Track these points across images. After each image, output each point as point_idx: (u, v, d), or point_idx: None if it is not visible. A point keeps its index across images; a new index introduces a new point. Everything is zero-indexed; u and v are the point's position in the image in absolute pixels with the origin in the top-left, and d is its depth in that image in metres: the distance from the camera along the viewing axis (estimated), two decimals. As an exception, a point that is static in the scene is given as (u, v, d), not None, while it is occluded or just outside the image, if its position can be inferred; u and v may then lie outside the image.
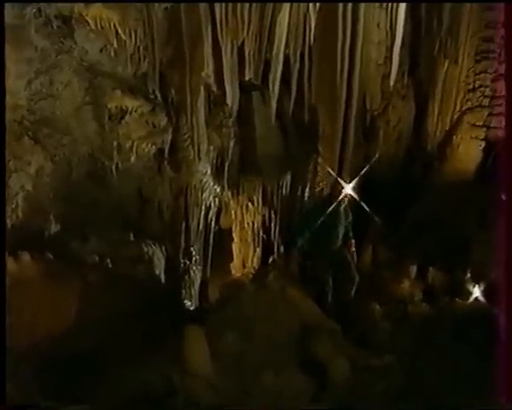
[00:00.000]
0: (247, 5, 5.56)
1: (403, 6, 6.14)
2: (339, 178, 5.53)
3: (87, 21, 5.76)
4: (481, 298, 5.59)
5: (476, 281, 5.72)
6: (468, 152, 7.29)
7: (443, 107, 7.30)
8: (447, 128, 7.36)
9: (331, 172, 5.98)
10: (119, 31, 5.77)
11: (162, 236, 6.17)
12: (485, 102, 7.32)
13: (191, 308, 6.36)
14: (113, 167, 5.98)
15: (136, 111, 5.91)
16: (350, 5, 5.86)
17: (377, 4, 6.39)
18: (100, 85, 5.91)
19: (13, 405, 3.47)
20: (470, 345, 4.93)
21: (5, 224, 4.85)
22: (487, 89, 7.29)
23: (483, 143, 7.31)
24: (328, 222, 5.06)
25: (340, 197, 5.18)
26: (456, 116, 7.35)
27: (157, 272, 5.89)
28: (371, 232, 6.46)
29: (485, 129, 7.33)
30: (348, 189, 5.31)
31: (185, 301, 6.42)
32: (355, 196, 5.37)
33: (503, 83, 7.29)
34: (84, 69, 5.89)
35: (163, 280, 5.94)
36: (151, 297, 5.09)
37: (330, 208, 5.07)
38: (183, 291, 6.46)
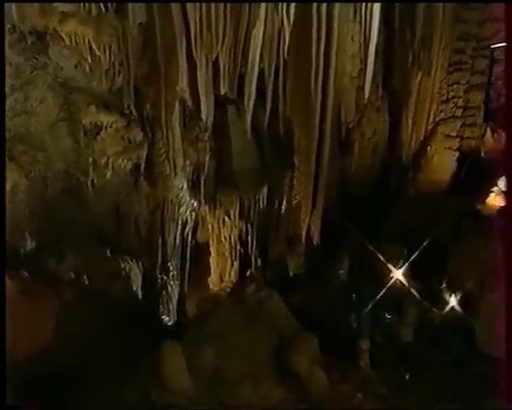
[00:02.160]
0: (221, 20, 5.56)
1: (376, 19, 6.20)
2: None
3: (62, 37, 5.73)
4: (457, 307, 5.64)
5: (452, 291, 5.77)
6: (443, 162, 7.38)
7: (417, 118, 7.40)
8: (421, 139, 7.46)
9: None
10: (94, 46, 5.74)
11: (139, 251, 6.14)
12: (459, 112, 7.44)
13: (169, 324, 6.35)
14: (89, 183, 5.94)
15: (111, 127, 5.87)
16: (324, 19, 5.88)
17: (351, 17, 6.45)
18: (75, 101, 5.87)
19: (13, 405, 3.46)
20: (447, 354, 5.00)
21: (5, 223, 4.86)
22: (460, 100, 7.41)
23: (457, 154, 7.42)
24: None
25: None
26: (430, 127, 7.45)
27: (134, 288, 5.87)
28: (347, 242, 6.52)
29: (458, 139, 7.45)
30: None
31: (163, 317, 6.41)
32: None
33: (475, 93, 7.42)
34: (59, 85, 5.85)
35: (140, 296, 5.92)
36: (128, 313, 5.08)
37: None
38: (161, 307, 6.44)
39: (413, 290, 5.50)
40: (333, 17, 5.95)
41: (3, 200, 4.67)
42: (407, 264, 5.67)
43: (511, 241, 3.47)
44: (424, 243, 5.78)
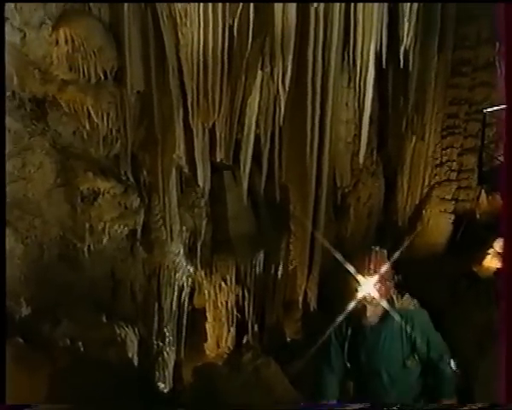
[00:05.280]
0: (217, 88, 5.66)
1: (370, 85, 6.29)
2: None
3: (60, 105, 5.83)
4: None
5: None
6: (438, 225, 7.42)
7: (412, 182, 7.47)
8: (417, 202, 7.52)
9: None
10: (92, 113, 5.82)
11: (135, 317, 6.08)
12: (453, 175, 7.51)
13: (165, 391, 6.26)
14: (86, 249, 5.92)
15: (108, 193, 5.90)
16: (318, 86, 5.97)
17: (345, 84, 6.57)
18: (72, 167, 5.91)
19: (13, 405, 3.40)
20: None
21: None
22: (454, 163, 7.50)
23: (452, 216, 7.45)
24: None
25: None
26: (425, 191, 7.52)
27: (130, 355, 5.80)
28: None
29: (453, 202, 7.50)
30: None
31: (159, 384, 6.32)
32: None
33: (469, 156, 7.50)
34: (57, 151, 5.90)
35: (136, 363, 5.85)
36: (124, 380, 5.02)
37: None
38: (157, 373, 6.36)
39: None
40: (327, 84, 6.05)
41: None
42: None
43: (509, 303, 3.45)
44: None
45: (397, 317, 3.23)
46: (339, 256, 3.21)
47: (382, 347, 3.27)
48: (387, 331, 3.26)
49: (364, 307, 3.24)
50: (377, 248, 3.28)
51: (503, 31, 5.24)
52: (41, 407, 3.84)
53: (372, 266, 3.18)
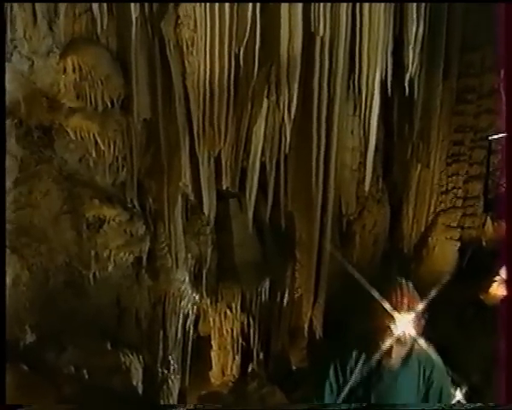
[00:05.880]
0: (223, 117, 5.70)
1: (375, 113, 6.32)
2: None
3: (67, 132, 5.88)
4: (463, 401, 5.53)
5: (457, 384, 5.67)
6: (444, 253, 7.39)
7: (417, 209, 7.46)
8: (422, 230, 7.50)
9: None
10: (99, 141, 5.86)
11: (140, 345, 6.08)
12: (459, 203, 7.50)
13: (170, 419, 6.24)
14: (91, 276, 5.93)
15: (114, 220, 5.92)
16: (324, 114, 6.01)
17: (351, 112, 6.59)
18: (78, 195, 5.94)
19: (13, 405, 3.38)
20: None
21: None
22: (460, 190, 7.48)
23: (458, 244, 7.43)
24: None
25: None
26: (430, 218, 7.50)
27: (134, 383, 5.79)
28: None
29: (459, 229, 7.47)
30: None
31: (163, 412, 6.30)
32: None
33: (474, 184, 7.49)
34: (63, 178, 5.95)
35: (140, 390, 5.83)
36: (128, 408, 4.99)
37: None
38: (161, 401, 6.32)
39: None
40: (333, 113, 6.08)
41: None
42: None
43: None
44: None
45: (418, 360, 3.05)
46: (374, 292, 2.97)
47: (398, 391, 2.97)
48: (405, 374, 2.95)
49: (391, 346, 3.01)
50: (404, 281, 3.08)
51: (503, 31, 5.30)
52: (34, 407, 3.82)
53: (407, 302, 2.96)
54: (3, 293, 3.83)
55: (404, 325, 2.89)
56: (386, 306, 2.84)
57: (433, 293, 3.25)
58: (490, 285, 6.84)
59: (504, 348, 3.86)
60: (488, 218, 7.58)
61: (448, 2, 6.70)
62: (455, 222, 7.47)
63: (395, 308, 2.86)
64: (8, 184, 5.79)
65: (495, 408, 3.32)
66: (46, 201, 5.90)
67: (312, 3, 5.68)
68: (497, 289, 6.75)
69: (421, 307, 2.93)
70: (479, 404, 3.59)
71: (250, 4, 5.54)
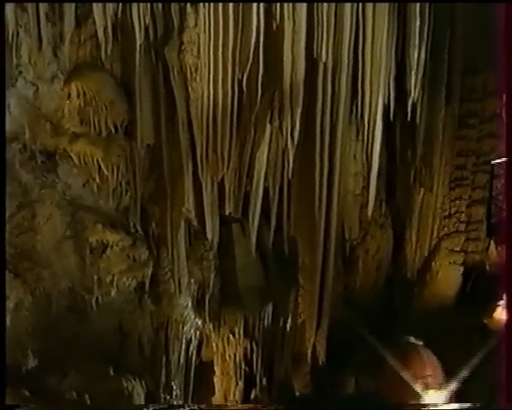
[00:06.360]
0: (227, 142, 5.74)
1: (378, 138, 6.34)
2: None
3: (71, 157, 5.91)
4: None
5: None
6: (448, 277, 7.36)
7: (420, 234, 7.43)
8: (426, 255, 7.46)
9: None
10: (102, 166, 5.91)
11: (142, 370, 6.06)
12: (462, 227, 7.47)
13: (172, 445, 6.20)
14: (94, 301, 5.94)
15: (117, 245, 5.94)
16: (327, 139, 6.03)
17: (353, 137, 6.60)
18: (81, 219, 5.97)
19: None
20: None
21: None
22: (463, 214, 7.46)
23: (462, 268, 7.40)
24: None
25: None
26: (433, 242, 7.46)
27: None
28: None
29: (463, 254, 7.44)
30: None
31: (165, 438, 6.26)
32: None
33: (477, 208, 7.49)
34: (67, 203, 5.98)
35: (143, 417, 5.82)
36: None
37: None
38: (164, 429, 6.30)
39: None
40: (336, 137, 6.11)
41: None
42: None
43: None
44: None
45: None
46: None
47: None
48: None
49: None
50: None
51: (503, 31, 5.31)
52: (32, 406, 3.82)
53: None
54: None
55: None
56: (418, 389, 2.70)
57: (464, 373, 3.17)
58: (494, 310, 6.81)
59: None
60: (492, 242, 7.56)
61: (448, 3, 6.70)
62: (458, 246, 7.44)
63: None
64: (12, 208, 5.83)
65: (495, 408, 3.32)
66: (49, 225, 5.93)
67: (316, 31, 5.74)
68: (502, 314, 6.71)
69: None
70: (480, 404, 3.59)
71: (254, 30, 5.60)
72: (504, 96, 6.38)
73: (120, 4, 5.66)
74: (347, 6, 5.82)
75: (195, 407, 6.26)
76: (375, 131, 6.30)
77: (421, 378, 2.92)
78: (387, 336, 6.62)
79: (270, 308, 6.57)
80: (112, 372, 5.77)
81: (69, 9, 5.69)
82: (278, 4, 5.63)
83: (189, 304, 6.33)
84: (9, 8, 5.51)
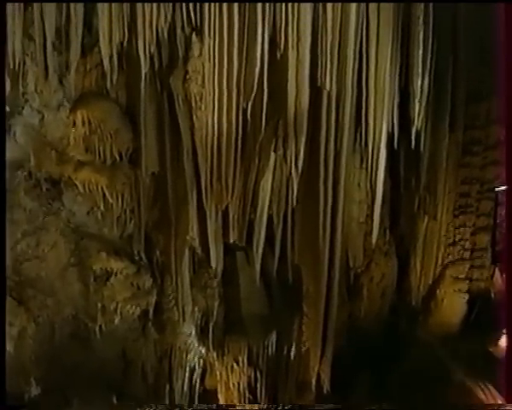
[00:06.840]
0: (231, 171, 5.77)
1: (382, 166, 6.35)
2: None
3: (76, 185, 5.95)
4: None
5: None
6: (453, 305, 7.33)
7: (425, 261, 7.40)
8: (430, 282, 7.42)
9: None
10: (107, 194, 5.96)
11: (146, 398, 6.04)
12: (466, 254, 7.44)
13: None
14: (97, 329, 5.97)
15: (121, 273, 5.97)
16: (331, 168, 6.05)
17: (357, 165, 6.62)
18: (86, 247, 6.00)
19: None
20: None
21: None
22: (467, 242, 7.43)
23: (466, 296, 7.37)
24: None
25: None
26: (438, 270, 7.43)
27: (140, 437, 5.75)
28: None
29: (467, 281, 7.40)
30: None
31: None
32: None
33: (482, 235, 7.48)
34: (71, 231, 6.02)
35: (146, 445, 5.78)
36: None
37: None
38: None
39: None
40: (340, 166, 6.12)
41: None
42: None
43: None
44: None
45: None
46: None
47: None
48: None
49: None
50: None
51: (503, 31, 5.32)
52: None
53: None
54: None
55: None
56: None
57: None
58: (499, 338, 6.78)
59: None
60: (496, 269, 7.54)
61: (448, 3, 6.72)
62: (463, 274, 7.40)
63: None
64: (16, 235, 5.85)
65: (495, 408, 3.30)
66: (53, 253, 5.96)
67: (320, 60, 5.79)
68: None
69: None
70: (477, 404, 3.57)
71: (258, 59, 5.67)
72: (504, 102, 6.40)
73: (126, 33, 5.75)
74: (351, 35, 5.87)
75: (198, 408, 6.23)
76: (379, 159, 6.32)
77: None
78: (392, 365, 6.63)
79: (274, 337, 6.52)
80: (115, 401, 5.77)
81: (75, 38, 5.78)
82: (283, 34, 5.70)
83: (193, 332, 6.31)
84: (17, 38, 5.60)
